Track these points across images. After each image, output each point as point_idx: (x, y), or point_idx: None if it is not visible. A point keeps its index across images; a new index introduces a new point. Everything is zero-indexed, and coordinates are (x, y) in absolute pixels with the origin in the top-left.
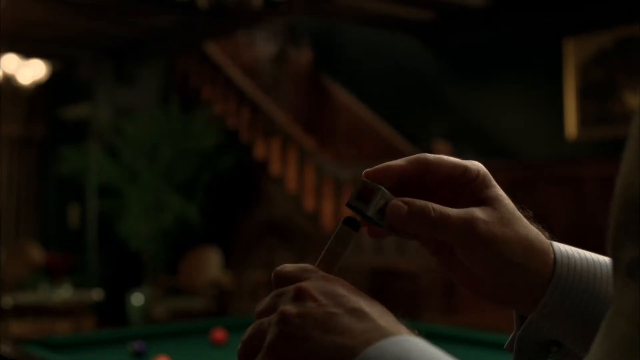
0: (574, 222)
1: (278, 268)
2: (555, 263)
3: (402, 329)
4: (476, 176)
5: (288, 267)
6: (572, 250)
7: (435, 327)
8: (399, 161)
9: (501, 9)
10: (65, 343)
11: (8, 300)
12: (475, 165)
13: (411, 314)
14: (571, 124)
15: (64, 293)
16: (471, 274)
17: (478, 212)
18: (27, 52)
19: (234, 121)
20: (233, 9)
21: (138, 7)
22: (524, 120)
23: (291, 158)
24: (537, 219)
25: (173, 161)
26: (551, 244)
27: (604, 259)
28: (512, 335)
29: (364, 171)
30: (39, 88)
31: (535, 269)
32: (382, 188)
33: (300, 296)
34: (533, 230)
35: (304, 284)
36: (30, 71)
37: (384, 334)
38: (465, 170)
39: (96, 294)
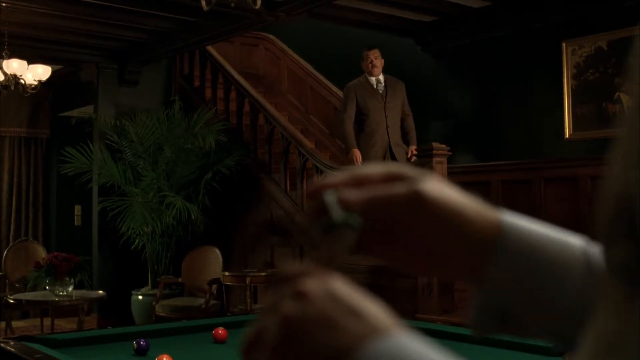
0: (572, 222)
1: (279, 268)
2: (502, 231)
3: (400, 327)
4: (407, 173)
5: (289, 267)
6: (521, 221)
7: (434, 325)
8: (337, 177)
9: (499, 11)
10: (69, 341)
11: (12, 299)
12: (403, 168)
13: (410, 313)
14: (569, 125)
15: (67, 292)
16: (415, 253)
17: (423, 184)
18: (30, 55)
19: (235, 121)
20: (234, 10)
21: (140, 10)
22: (522, 121)
23: (292, 158)
24: (533, 218)
25: (175, 161)
26: (499, 213)
27: (557, 232)
28: (469, 309)
29: (310, 190)
30: (43, 90)
31: (483, 236)
32: (330, 196)
33: (300, 296)
34: (477, 200)
35: (304, 284)
36: (34, 73)
37: (382, 332)
38: (395, 174)
39: (99, 293)
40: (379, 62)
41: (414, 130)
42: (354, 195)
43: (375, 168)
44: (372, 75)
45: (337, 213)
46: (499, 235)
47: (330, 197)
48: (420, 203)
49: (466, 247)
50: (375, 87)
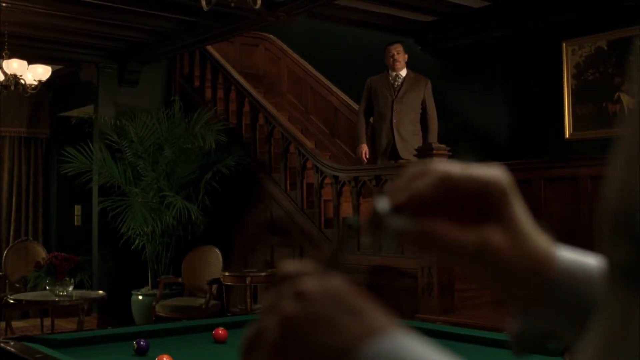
0: (572, 222)
1: (280, 267)
2: (557, 270)
3: (399, 327)
4: (496, 192)
5: (289, 266)
6: (575, 257)
7: (434, 325)
8: (424, 186)
9: (499, 11)
10: (69, 341)
11: (12, 299)
12: (497, 180)
13: (410, 313)
14: (569, 125)
15: (67, 292)
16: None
17: (492, 236)
18: (30, 55)
19: (235, 121)
20: (234, 10)
21: (140, 10)
22: (522, 121)
23: (292, 158)
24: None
25: (175, 161)
26: (555, 250)
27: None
28: (511, 330)
29: (388, 197)
30: (43, 90)
31: (539, 277)
32: (399, 218)
33: (300, 296)
34: (540, 243)
35: (304, 283)
36: (34, 73)
37: (382, 332)
38: (487, 188)
39: (99, 293)
40: (401, 57)
41: (434, 132)
42: (415, 242)
43: (452, 185)
44: (393, 70)
45: (389, 239)
46: (554, 273)
47: (396, 222)
48: (485, 254)
49: (520, 278)
50: (391, 81)
